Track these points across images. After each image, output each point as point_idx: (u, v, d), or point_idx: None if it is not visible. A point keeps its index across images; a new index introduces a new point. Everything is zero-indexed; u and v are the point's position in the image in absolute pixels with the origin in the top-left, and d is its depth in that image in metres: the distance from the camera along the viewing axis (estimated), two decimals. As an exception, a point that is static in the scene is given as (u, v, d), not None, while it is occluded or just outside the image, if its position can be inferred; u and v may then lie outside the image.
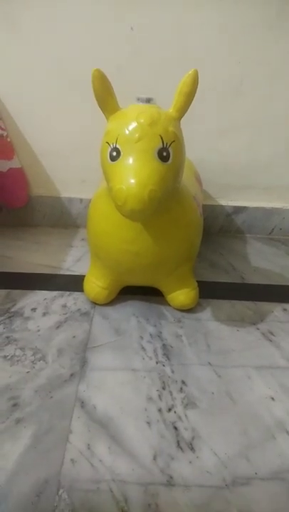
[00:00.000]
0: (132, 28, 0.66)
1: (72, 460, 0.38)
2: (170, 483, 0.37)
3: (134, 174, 0.39)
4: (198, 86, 0.42)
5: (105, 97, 0.43)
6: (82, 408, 0.44)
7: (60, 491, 0.35)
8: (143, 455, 0.39)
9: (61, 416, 0.43)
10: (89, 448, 0.39)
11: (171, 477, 0.37)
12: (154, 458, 0.39)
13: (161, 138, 0.40)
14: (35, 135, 0.80)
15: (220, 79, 0.71)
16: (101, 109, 0.45)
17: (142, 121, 0.40)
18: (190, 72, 0.41)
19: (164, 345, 0.55)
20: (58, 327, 0.57)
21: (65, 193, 0.89)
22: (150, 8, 0.64)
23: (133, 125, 0.40)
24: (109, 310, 0.61)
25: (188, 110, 0.44)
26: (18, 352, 0.52)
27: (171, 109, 0.44)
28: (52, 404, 0.44)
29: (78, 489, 0.36)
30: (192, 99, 0.43)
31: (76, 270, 0.73)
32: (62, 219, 0.92)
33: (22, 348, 0.52)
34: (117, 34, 0.67)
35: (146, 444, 0.40)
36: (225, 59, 0.69)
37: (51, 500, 0.34)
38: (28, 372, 0.48)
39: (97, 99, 0.43)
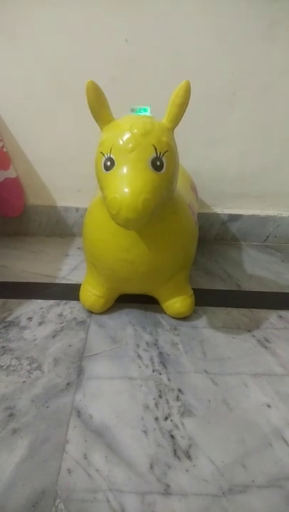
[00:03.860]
0: (126, 40, 0.67)
1: (68, 470, 0.38)
2: (167, 491, 0.37)
3: (127, 183, 0.39)
4: (193, 96, 0.43)
5: (99, 108, 0.44)
6: (78, 417, 0.44)
7: (57, 501, 0.35)
8: (140, 464, 0.39)
9: (57, 426, 0.43)
10: (85, 457, 0.39)
11: (168, 486, 0.37)
12: (151, 467, 0.39)
13: (155, 148, 0.41)
14: (31, 145, 0.80)
15: (213, 89, 0.73)
16: (95, 120, 0.45)
17: (135, 131, 0.41)
18: (182, 83, 0.42)
19: (160, 353, 0.55)
20: (54, 336, 0.57)
21: (61, 202, 0.89)
22: (144, 20, 0.66)
23: (127, 135, 0.41)
24: (106, 318, 0.61)
25: (183, 120, 0.45)
26: (14, 362, 0.51)
27: (164, 120, 0.45)
28: (48, 414, 0.44)
29: (75, 499, 0.35)
30: (185, 110, 0.44)
31: (72, 279, 0.73)
32: (59, 228, 0.92)
33: (18, 358, 0.52)
34: (112, 46, 0.68)
35: (143, 453, 0.40)
36: (218, 70, 0.71)
37: (48, 511, 0.34)
38: (24, 382, 0.48)
39: (91, 110, 0.44)
